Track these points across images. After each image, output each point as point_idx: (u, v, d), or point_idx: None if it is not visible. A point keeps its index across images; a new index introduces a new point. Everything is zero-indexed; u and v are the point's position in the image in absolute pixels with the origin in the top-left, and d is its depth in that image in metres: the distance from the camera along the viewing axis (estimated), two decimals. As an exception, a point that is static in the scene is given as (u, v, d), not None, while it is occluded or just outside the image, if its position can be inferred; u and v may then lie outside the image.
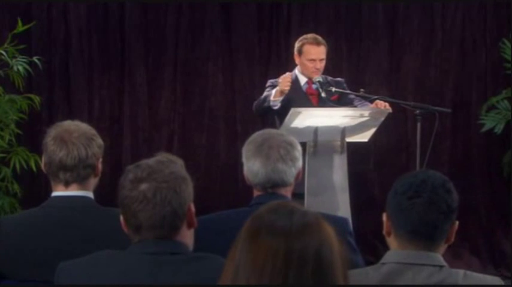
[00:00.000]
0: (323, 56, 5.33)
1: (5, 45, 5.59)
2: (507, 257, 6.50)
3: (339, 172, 5.08)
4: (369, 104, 5.29)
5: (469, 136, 6.76)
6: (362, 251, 6.54)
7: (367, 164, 6.77)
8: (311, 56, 5.29)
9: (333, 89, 5.20)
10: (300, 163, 2.76)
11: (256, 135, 2.78)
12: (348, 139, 5.11)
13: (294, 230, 1.40)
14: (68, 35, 6.44)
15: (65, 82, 6.45)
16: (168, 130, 6.62)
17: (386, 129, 6.59)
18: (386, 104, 5.07)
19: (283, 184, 2.70)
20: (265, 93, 5.37)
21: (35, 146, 6.24)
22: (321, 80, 5.30)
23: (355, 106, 5.28)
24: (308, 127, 4.98)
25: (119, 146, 6.53)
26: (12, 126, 5.71)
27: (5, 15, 6.24)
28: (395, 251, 2.05)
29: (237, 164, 6.58)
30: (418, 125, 5.12)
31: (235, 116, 6.63)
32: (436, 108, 5.16)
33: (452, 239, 2.10)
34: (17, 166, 5.68)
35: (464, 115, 6.78)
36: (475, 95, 6.77)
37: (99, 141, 2.67)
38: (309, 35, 5.43)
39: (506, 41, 6.48)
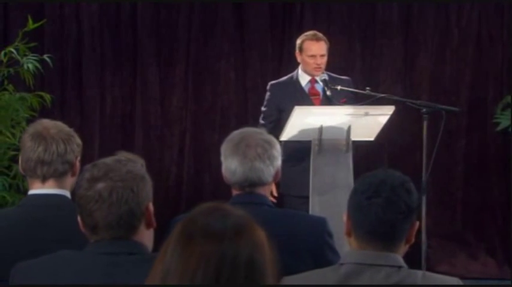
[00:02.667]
0: (323, 52, 5.30)
1: (16, 43, 5.62)
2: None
3: (344, 171, 5.04)
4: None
5: (485, 135, 6.67)
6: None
7: (380, 164, 6.71)
8: (311, 52, 5.27)
9: (339, 88, 5.16)
10: (278, 162, 2.74)
11: (235, 134, 2.77)
12: (354, 138, 5.06)
13: (228, 234, 1.37)
14: (80, 32, 6.48)
15: (77, 80, 6.49)
16: (180, 128, 6.62)
17: (399, 128, 6.55)
18: None
19: (261, 183, 2.68)
20: (263, 109, 5.43)
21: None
22: (326, 78, 5.26)
23: None
24: (313, 126, 4.94)
25: (130, 144, 6.54)
26: (24, 124, 5.73)
27: (17, 13, 6.29)
28: (354, 251, 2.03)
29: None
30: (425, 123, 5.06)
31: (247, 114, 6.61)
32: (443, 107, 5.09)
33: (413, 240, 2.06)
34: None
35: (480, 114, 6.69)
36: (491, 94, 6.68)
37: (78, 140, 2.68)
38: (309, 32, 5.43)
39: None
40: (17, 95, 5.69)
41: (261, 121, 5.46)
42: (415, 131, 6.74)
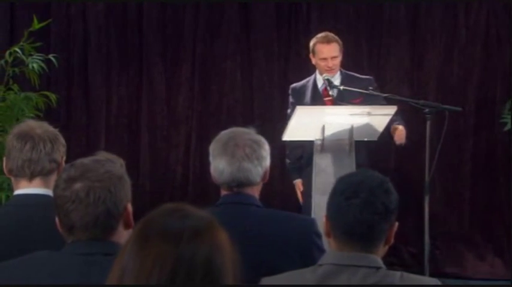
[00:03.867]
0: (335, 53, 5.27)
1: (21, 43, 5.64)
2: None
3: (347, 171, 4.97)
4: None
5: (493, 135, 6.62)
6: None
7: (388, 163, 6.69)
8: (323, 55, 5.27)
9: (341, 88, 5.14)
10: (267, 162, 2.73)
11: (223, 134, 2.76)
12: (357, 138, 5.04)
13: (185, 235, 1.36)
14: (87, 32, 6.50)
15: (83, 79, 6.51)
16: (186, 128, 6.62)
17: (407, 127, 6.52)
18: (403, 136, 5.03)
19: (249, 183, 2.67)
20: (288, 111, 5.42)
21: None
22: (329, 78, 5.25)
23: None
24: (315, 125, 4.93)
25: (136, 143, 6.57)
26: (29, 123, 5.75)
27: (24, 13, 6.31)
28: (333, 252, 2.02)
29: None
30: (428, 123, 5.03)
31: (253, 113, 6.61)
32: (446, 106, 5.06)
33: (392, 241, 2.05)
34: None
35: (487, 114, 6.64)
36: (499, 93, 6.62)
37: (63, 140, 2.69)
38: (321, 34, 5.40)
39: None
40: (22, 94, 5.71)
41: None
42: (422, 131, 6.72)
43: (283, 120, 5.52)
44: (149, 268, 1.32)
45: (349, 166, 5.02)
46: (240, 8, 6.60)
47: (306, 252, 2.60)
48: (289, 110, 5.47)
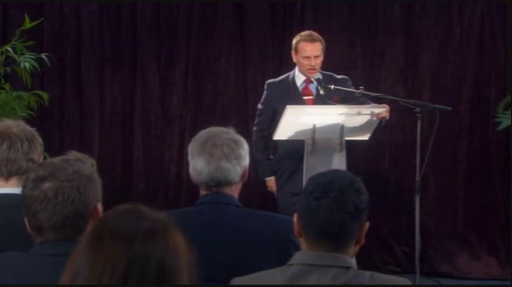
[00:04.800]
0: (318, 53, 5.26)
1: (13, 42, 5.64)
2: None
3: (338, 170, 5.00)
4: (370, 102, 5.24)
5: (487, 134, 6.61)
6: (378, 251, 6.58)
7: (382, 162, 6.68)
8: (305, 53, 5.25)
9: (332, 87, 5.13)
10: (246, 162, 2.72)
11: (202, 133, 2.75)
12: (348, 138, 5.04)
13: (139, 236, 1.35)
14: (80, 31, 6.49)
15: (77, 78, 6.50)
16: (179, 127, 6.62)
17: (402, 127, 6.53)
18: (387, 114, 5.00)
19: (227, 183, 2.66)
20: (259, 106, 5.47)
21: (47, 142, 6.31)
22: (320, 77, 5.24)
23: None
24: (305, 125, 4.93)
25: (130, 143, 6.56)
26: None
27: (17, 12, 6.31)
28: (303, 252, 2.02)
29: (249, 162, 6.55)
30: (418, 123, 5.02)
31: (247, 113, 6.59)
32: (437, 106, 5.05)
33: (363, 241, 2.04)
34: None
35: (482, 113, 6.63)
36: (494, 93, 6.62)
37: (40, 140, 2.68)
38: (304, 32, 5.40)
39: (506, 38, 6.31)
40: (14, 93, 5.70)
41: (256, 122, 5.51)
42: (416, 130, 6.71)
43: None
44: (101, 268, 1.31)
45: (340, 165, 5.02)
46: (234, 7, 6.59)
47: (284, 252, 2.59)
48: (260, 106, 5.47)
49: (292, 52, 5.38)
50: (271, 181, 5.47)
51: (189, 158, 2.73)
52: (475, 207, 6.64)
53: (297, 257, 2.01)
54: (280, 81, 5.47)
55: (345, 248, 2.00)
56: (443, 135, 6.59)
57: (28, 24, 5.63)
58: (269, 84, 5.50)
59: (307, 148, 4.98)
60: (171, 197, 6.53)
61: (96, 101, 6.51)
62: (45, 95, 5.76)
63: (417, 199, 5.01)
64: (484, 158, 6.64)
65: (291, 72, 5.47)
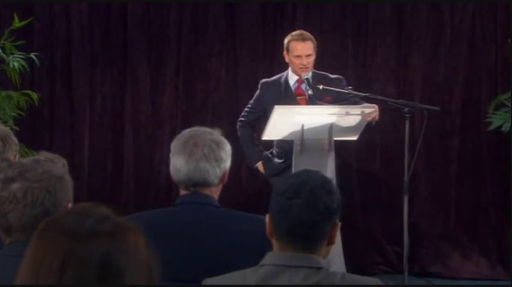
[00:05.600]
0: (309, 51, 5.27)
1: (2, 41, 5.63)
2: (514, 258, 6.35)
3: (327, 171, 5.00)
4: (363, 102, 5.24)
5: (479, 134, 6.60)
6: (369, 252, 6.57)
7: (374, 163, 6.68)
8: (297, 52, 5.26)
9: (321, 87, 5.12)
10: (226, 164, 2.71)
11: (185, 132, 2.75)
12: (337, 138, 5.03)
13: (81, 232, 1.33)
14: (70, 30, 6.47)
15: (67, 78, 6.48)
16: (170, 127, 6.60)
17: (393, 127, 6.51)
18: (376, 115, 5.00)
19: (206, 184, 2.65)
20: (250, 102, 5.48)
21: (37, 142, 6.30)
22: (309, 78, 5.24)
23: None
24: (294, 125, 4.93)
25: (121, 142, 6.55)
26: (10, 123, 5.74)
27: (7, 12, 6.29)
28: (275, 253, 2.01)
29: (241, 162, 6.53)
30: (407, 123, 5.02)
31: (239, 112, 6.54)
32: (425, 106, 5.06)
33: (334, 241, 2.02)
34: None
35: (473, 113, 6.63)
36: (485, 93, 6.61)
37: (16, 140, 2.67)
38: (296, 32, 5.41)
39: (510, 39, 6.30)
40: (3, 93, 5.69)
41: (243, 114, 5.54)
42: (409, 130, 6.70)
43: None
44: (40, 259, 1.31)
45: (329, 166, 5.01)
46: (225, 7, 6.58)
47: (261, 251, 2.58)
48: (251, 102, 5.51)
49: (284, 52, 5.40)
50: (260, 166, 5.49)
51: (171, 155, 2.73)
52: (466, 207, 6.64)
53: (268, 258, 2.01)
54: (274, 81, 5.49)
55: (317, 249, 1.99)
56: (435, 136, 6.59)
57: (17, 23, 5.62)
58: (263, 83, 5.52)
59: (296, 148, 4.98)
60: (162, 198, 6.52)
61: (86, 100, 6.50)
62: (34, 95, 5.75)
63: (405, 198, 5.01)
64: (475, 158, 6.64)
65: (285, 73, 5.49)
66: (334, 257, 4.97)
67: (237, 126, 5.59)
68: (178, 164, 2.65)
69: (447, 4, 6.59)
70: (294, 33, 5.38)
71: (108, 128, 6.54)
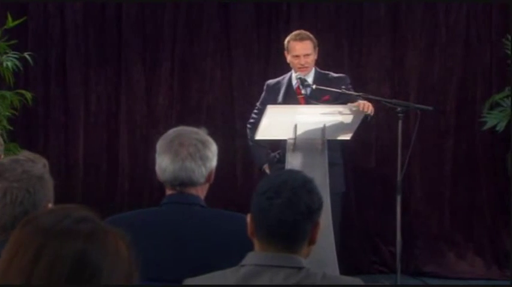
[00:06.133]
0: (307, 51, 5.28)
1: (-5, 41, 5.64)
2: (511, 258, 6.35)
3: (319, 170, 4.99)
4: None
5: (474, 134, 6.60)
6: (364, 250, 6.57)
7: (369, 162, 6.67)
8: (295, 52, 5.29)
9: (314, 86, 5.12)
10: (212, 163, 2.70)
11: (171, 131, 2.75)
12: (330, 137, 5.03)
13: (57, 231, 1.33)
14: (65, 30, 6.46)
15: (62, 78, 6.47)
16: (165, 127, 6.49)
17: (388, 127, 6.51)
18: (370, 105, 4.99)
19: (192, 183, 2.64)
20: (257, 105, 5.47)
21: (32, 142, 6.31)
22: (302, 77, 5.24)
23: None
24: (287, 125, 4.92)
25: (115, 142, 6.54)
26: (4, 122, 5.75)
27: (1, 11, 6.28)
28: (256, 253, 2.01)
29: (235, 162, 6.54)
30: (400, 123, 5.02)
31: (233, 112, 6.58)
32: (417, 105, 5.06)
33: (316, 241, 2.02)
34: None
35: (468, 113, 6.62)
36: (480, 93, 6.61)
37: (1, 139, 2.66)
38: (295, 32, 5.45)
39: (509, 37, 6.29)
40: (-4, 92, 5.70)
41: (252, 116, 5.55)
42: (404, 129, 6.69)
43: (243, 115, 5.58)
44: (14, 251, 1.31)
45: (322, 165, 5.01)
46: (220, 7, 6.57)
47: (247, 250, 2.58)
48: (258, 104, 5.52)
49: (285, 52, 5.43)
50: (267, 168, 5.51)
51: (156, 155, 2.72)
52: (461, 207, 6.64)
53: (249, 258, 2.00)
54: (277, 81, 5.53)
55: (298, 249, 1.99)
56: (430, 136, 6.59)
57: (11, 23, 5.62)
58: (268, 85, 5.59)
59: (289, 147, 4.98)
60: (157, 197, 6.48)
61: (81, 100, 6.49)
62: (28, 95, 5.76)
63: (398, 198, 5.01)
64: (470, 158, 6.63)
65: (289, 73, 5.52)
66: (328, 258, 4.97)
67: (247, 130, 5.62)
68: (163, 163, 2.64)
69: (442, 4, 6.59)
70: (293, 33, 5.42)
71: (102, 128, 6.54)
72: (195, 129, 2.77)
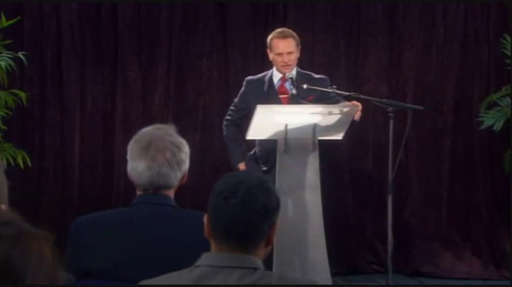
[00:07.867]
0: (290, 49, 5.25)
1: (-11, 41, 5.64)
2: (509, 258, 6.32)
3: (310, 170, 4.99)
4: (345, 102, 5.21)
5: (471, 134, 6.57)
6: (361, 250, 6.55)
7: (366, 162, 6.66)
8: (278, 50, 5.26)
9: (305, 86, 5.11)
10: (186, 165, 2.71)
11: (145, 134, 2.73)
12: (321, 137, 5.02)
13: None
14: (60, 30, 6.46)
15: (58, 77, 6.47)
16: (161, 127, 6.58)
17: (385, 126, 6.48)
18: (360, 113, 4.98)
19: (167, 187, 2.66)
20: (234, 100, 5.49)
21: (27, 142, 6.32)
22: (293, 77, 5.23)
23: None
24: (278, 125, 4.91)
25: (111, 142, 6.53)
26: (-1, 122, 5.76)
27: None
28: (211, 253, 1.99)
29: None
30: (391, 122, 5.00)
31: (230, 112, 6.56)
32: (408, 105, 5.05)
33: (273, 241, 2.00)
34: (4, 163, 5.72)
35: (465, 112, 6.60)
36: (477, 92, 6.58)
37: None
38: (277, 30, 5.40)
39: (507, 37, 6.27)
40: (-10, 92, 5.70)
41: (229, 113, 5.53)
42: (400, 130, 6.67)
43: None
44: None
45: (313, 165, 5.00)
46: (216, 6, 6.56)
47: (202, 250, 2.58)
48: (235, 99, 5.50)
49: (268, 50, 5.39)
50: (241, 166, 5.46)
51: (128, 157, 2.72)
52: (458, 207, 6.61)
53: (204, 259, 1.99)
54: (259, 79, 5.49)
55: (253, 249, 1.97)
56: (427, 135, 6.57)
57: (5, 22, 5.62)
58: (247, 81, 5.54)
59: (280, 147, 4.97)
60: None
61: (77, 100, 6.49)
62: (22, 95, 5.75)
63: (389, 198, 4.99)
64: (467, 157, 6.61)
65: (270, 71, 5.48)
66: (319, 260, 4.97)
67: (223, 125, 5.59)
68: (139, 168, 2.64)
69: (439, 4, 6.56)
70: (276, 31, 5.38)
71: (98, 128, 6.54)
72: (168, 130, 2.76)
